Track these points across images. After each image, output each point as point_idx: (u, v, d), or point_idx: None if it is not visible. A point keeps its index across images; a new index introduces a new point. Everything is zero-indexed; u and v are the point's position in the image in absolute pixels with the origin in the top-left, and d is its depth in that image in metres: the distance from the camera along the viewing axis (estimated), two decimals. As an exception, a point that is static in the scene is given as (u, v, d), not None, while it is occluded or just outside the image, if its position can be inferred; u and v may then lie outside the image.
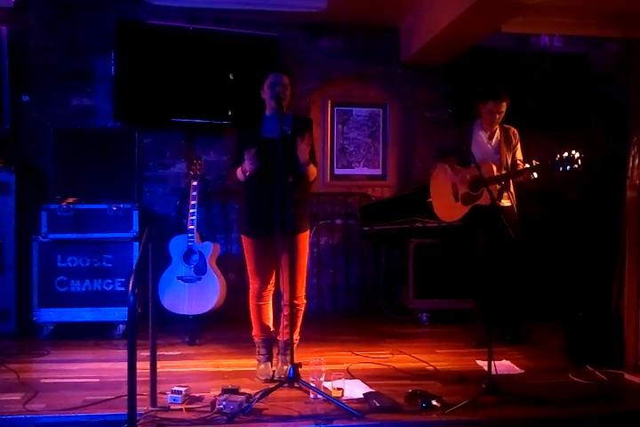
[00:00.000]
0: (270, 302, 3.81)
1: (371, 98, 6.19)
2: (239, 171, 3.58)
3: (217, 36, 5.38)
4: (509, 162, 4.45)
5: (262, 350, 3.80)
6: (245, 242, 3.75)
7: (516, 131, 4.56)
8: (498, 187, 4.35)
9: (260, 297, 3.75)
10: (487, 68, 5.81)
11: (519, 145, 4.54)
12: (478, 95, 4.55)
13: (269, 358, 3.81)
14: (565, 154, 3.83)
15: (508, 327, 4.57)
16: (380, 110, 6.18)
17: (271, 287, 3.77)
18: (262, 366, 3.76)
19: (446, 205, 4.62)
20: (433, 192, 4.77)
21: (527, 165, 4.23)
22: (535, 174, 4.11)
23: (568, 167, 3.83)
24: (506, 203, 4.45)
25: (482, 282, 4.43)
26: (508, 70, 5.80)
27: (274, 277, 3.76)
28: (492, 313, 4.37)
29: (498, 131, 4.53)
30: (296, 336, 3.70)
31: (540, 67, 5.95)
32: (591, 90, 6.08)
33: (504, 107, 4.44)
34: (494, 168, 4.33)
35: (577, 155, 3.80)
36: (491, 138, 4.54)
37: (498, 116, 4.46)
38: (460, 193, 4.49)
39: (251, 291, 3.78)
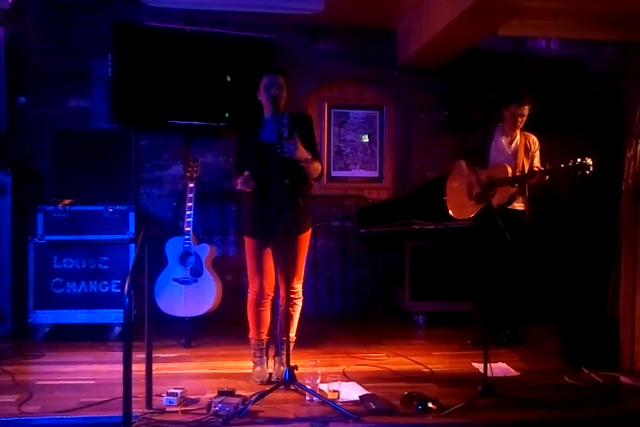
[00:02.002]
0: (269, 308, 3.78)
1: (367, 100, 6.20)
2: (236, 182, 3.60)
3: (214, 38, 5.38)
4: (526, 168, 4.49)
5: (258, 353, 3.79)
6: (248, 243, 3.74)
7: (535, 139, 4.61)
8: (512, 190, 4.38)
9: (259, 303, 3.73)
10: (484, 72, 5.84)
11: (538, 153, 4.59)
12: (500, 100, 4.60)
13: (265, 361, 3.80)
14: (579, 160, 3.93)
15: (504, 329, 4.58)
16: (377, 113, 6.19)
17: (270, 293, 3.74)
18: (258, 368, 3.75)
19: (460, 204, 4.66)
20: (449, 190, 4.80)
21: (542, 168, 4.29)
22: (547, 177, 4.25)
23: (579, 173, 3.93)
24: (518, 206, 4.50)
25: (483, 283, 4.45)
26: (505, 73, 5.82)
27: (273, 281, 3.70)
28: (491, 315, 4.38)
29: (518, 137, 4.58)
30: (292, 335, 3.71)
31: (536, 70, 5.97)
32: (588, 93, 6.10)
33: (526, 110, 4.49)
34: (509, 170, 4.38)
35: (589, 161, 3.91)
36: (510, 143, 4.59)
37: (520, 120, 4.51)
38: (475, 192, 4.52)
39: (250, 295, 3.75)
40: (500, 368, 3.91)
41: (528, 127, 4.62)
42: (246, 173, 3.51)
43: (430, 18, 5.08)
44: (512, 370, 3.95)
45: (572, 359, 4.01)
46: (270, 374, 3.71)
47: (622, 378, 3.71)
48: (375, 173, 6.20)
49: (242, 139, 3.82)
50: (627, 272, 3.78)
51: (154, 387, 3.18)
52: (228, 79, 5.40)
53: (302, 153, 3.48)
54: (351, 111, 6.16)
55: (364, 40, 5.97)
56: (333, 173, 6.13)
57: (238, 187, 3.58)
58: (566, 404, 3.28)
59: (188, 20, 5.53)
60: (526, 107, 4.49)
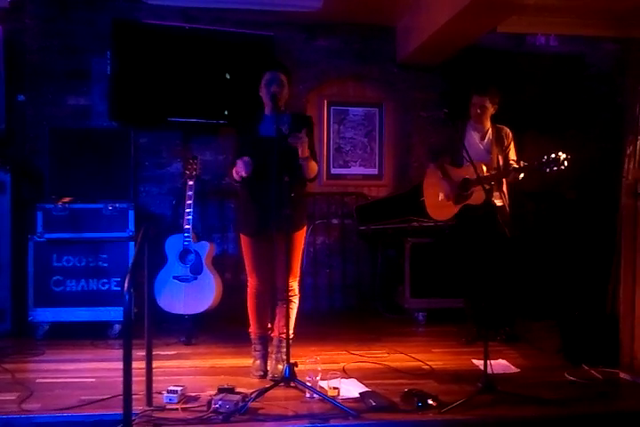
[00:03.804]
0: (268, 301, 3.81)
1: (367, 97, 6.19)
2: (233, 172, 3.59)
3: (213, 36, 5.37)
4: (502, 162, 4.44)
5: (258, 347, 3.80)
6: (244, 241, 3.76)
7: (508, 131, 4.54)
8: (487, 187, 4.36)
9: (258, 295, 3.76)
10: (483, 68, 5.82)
11: (512, 145, 4.52)
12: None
13: (265, 355, 3.80)
14: (553, 155, 3.83)
15: (502, 326, 4.58)
16: (377, 110, 6.18)
17: (269, 285, 3.77)
18: (258, 361, 3.76)
19: (438, 205, 4.64)
20: (425, 192, 4.79)
21: (515, 166, 4.25)
22: (522, 175, 4.15)
23: (555, 168, 3.84)
24: (497, 202, 4.46)
25: (471, 280, 4.45)
26: (504, 70, 5.81)
27: (271, 276, 3.76)
28: (483, 311, 4.38)
29: (490, 131, 4.53)
30: (290, 333, 3.71)
31: (535, 66, 5.96)
32: (587, 90, 6.10)
33: (487, 102, 4.43)
34: (484, 168, 4.34)
35: (563, 156, 3.79)
36: (482, 138, 4.54)
37: (479, 111, 4.45)
38: (452, 193, 4.50)
39: (249, 288, 3.79)
40: (499, 365, 3.91)
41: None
42: (247, 157, 3.48)
43: (430, 15, 5.08)
44: (512, 367, 3.95)
45: (572, 356, 4.01)
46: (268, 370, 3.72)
47: (622, 375, 3.71)
48: (375, 171, 6.20)
49: (241, 135, 3.80)
50: (626, 269, 3.78)
51: (154, 384, 3.19)
52: (228, 77, 5.39)
53: (304, 147, 3.49)
54: (350, 108, 6.16)
55: (364, 37, 5.97)
56: (333, 171, 6.13)
57: (240, 174, 3.53)
58: (566, 400, 3.28)
59: (187, 17, 5.53)
60: (486, 99, 4.42)
